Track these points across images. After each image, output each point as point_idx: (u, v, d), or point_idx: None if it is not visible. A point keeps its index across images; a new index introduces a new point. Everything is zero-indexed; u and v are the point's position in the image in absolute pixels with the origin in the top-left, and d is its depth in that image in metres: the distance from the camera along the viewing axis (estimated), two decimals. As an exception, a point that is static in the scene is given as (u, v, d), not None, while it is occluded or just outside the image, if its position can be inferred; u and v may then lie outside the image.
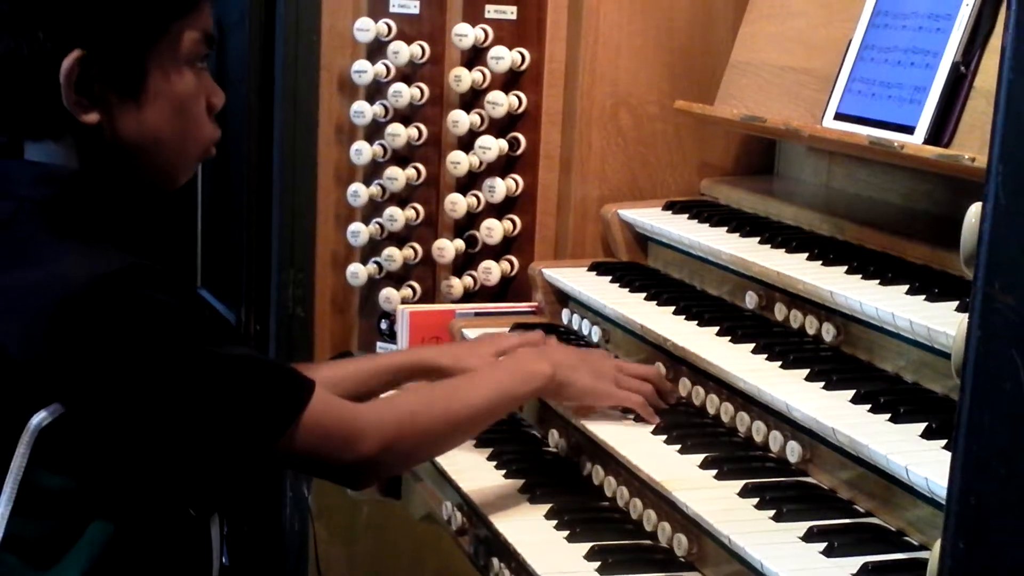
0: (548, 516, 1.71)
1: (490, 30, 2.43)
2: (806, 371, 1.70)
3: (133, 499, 1.40)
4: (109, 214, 1.44)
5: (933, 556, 0.88)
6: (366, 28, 2.51)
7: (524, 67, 2.42)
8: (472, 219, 2.47)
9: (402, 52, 2.48)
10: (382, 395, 1.84)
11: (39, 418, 1.34)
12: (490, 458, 1.93)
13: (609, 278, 2.22)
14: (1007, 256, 0.75)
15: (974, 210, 0.83)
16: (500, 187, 2.42)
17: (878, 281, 1.76)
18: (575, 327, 2.24)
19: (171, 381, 1.36)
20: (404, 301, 2.52)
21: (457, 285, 2.47)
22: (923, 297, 1.68)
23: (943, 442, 1.46)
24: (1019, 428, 0.74)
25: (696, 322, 1.95)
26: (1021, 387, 0.74)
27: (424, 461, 1.73)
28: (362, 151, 2.53)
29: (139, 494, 1.41)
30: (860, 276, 1.79)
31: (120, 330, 1.33)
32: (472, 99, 2.45)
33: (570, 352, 1.86)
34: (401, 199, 2.54)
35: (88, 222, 1.41)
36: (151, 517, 1.42)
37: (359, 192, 2.54)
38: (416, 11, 2.52)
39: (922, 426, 1.49)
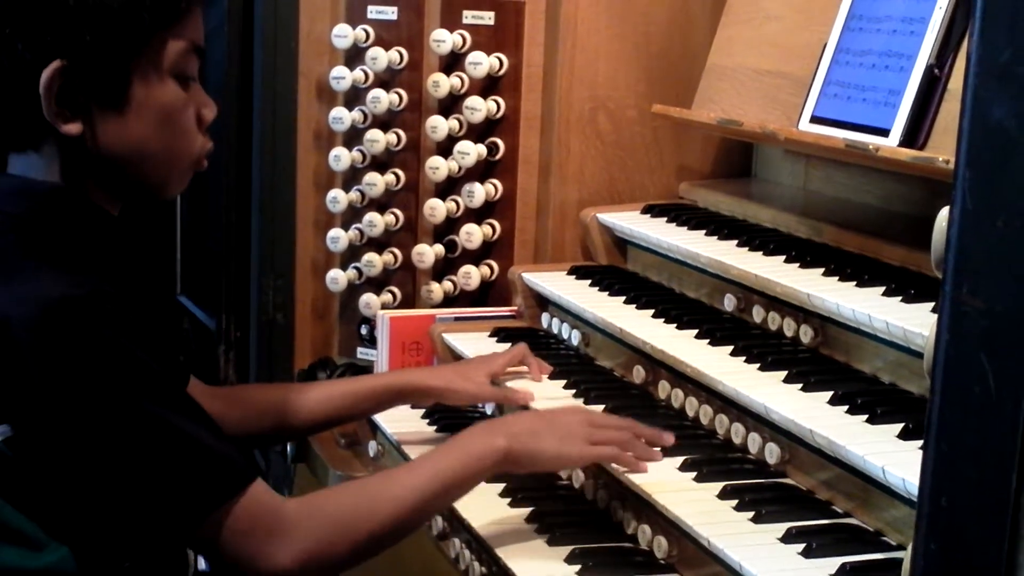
0: (529, 520, 1.71)
1: (468, 35, 2.43)
2: (784, 373, 1.71)
3: (84, 531, 1.37)
4: (83, 230, 1.42)
5: (907, 556, 0.89)
6: (344, 35, 2.51)
7: (502, 72, 2.42)
8: (452, 224, 2.47)
9: (380, 58, 2.48)
10: (316, 493, 1.61)
11: None
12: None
13: (588, 282, 2.22)
14: (974, 260, 0.75)
15: (943, 214, 0.83)
16: (479, 192, 2.42)
17: (855, 283, 1.77)
18: (555, 331, 2.25)
19: (104, 427, 1.33)
20: (384, 306, 2.52)
21: (437, 290, 2.47)
22: (899, 298, 1.69)
23: (920, 442, 1.46)
24: (989, 430, 0.75)
25: (675, 325, 1.96)
26: (990, 389, 0.74)
27: (357, 565, 1.49)
28: (341, 157, 2.53)
29: (90, 527, 1.38)
30: (837, 278, 1.81)
31: (70, 360, 1.30)
32: (451, 104, 2.45)
33: (530, 418, 1.70)
34: (380, 205, 2.54)
35: (61, 239, 1.40)
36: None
37: (338, 198, 2.54)
38: (394, 17, 2.52)
39: (899, 427, 1.50)
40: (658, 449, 1.69)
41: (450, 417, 2.10)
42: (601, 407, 1.88)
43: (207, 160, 1.52)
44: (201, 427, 1.39)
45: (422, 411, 2.15)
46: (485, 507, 1.74)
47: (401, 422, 2.11)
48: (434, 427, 2.09)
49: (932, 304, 1.64)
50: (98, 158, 1.41)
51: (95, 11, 1.36)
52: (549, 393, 1.97)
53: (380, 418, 2.13)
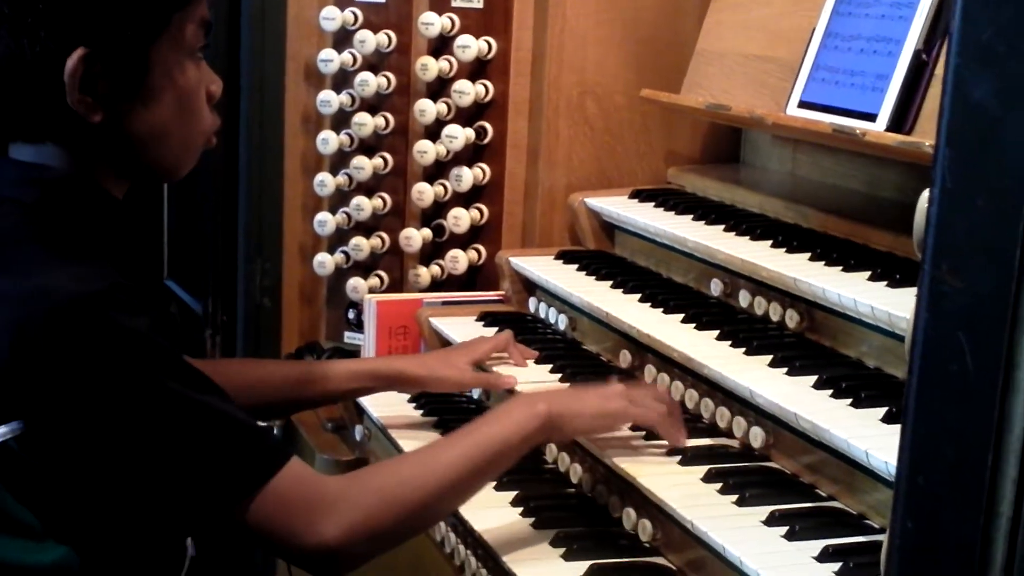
0: (514, 503, 1.71)
1: (457, 19, 2.43)
2: (770, 357, 1.71)
3: (90, 528, 1.36)
4: (93, 218, 1.41)
5: (888, 537, 0.89)
6: (332, 17, 2.50)
7: (491, 56, 2.42)
8: (439, 208, 2.47)
9: (368, 41, 2.47)
10: (355, 472, 1.54)
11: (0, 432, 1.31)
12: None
13: (576, 266, 2.22)
14: (954, 239, 0.75)
15: (926, 195, 0.83)
16: (467, 176, 2.41)
17: (841, 268, 1.77)
18: (542, 315, 2.24)
19: (134, 417, 1.31)
20: (372, 290, 2.51)
21: (424, 274, 2.47)
22: (885, 283, 1.69)
23: (903, 426, 1.47)
24: (967, 409, 0.75)
25: (662, 309, 1.96)
26: (968, 369, 0.75)
27: (405, 541, 1.47)
28: (329, 140, 2.52)
29: (96, 524, 1.36)
30: (824, 263, 1.81)
31: (89, 355, 1.29)
32: (439, 88, 2.45)
33: (567, 389, 1.70)
34: (368, 188, 2.54)
35: (69, 228, 1.38)
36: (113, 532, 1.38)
37: (326, 182, 2.54)
38: (382, 0, 2.51)
39: (883, 411, 1.51)
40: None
41: (436, 401, 2.10)
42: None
43: (215, 137, 1.51)
44: (229, 405, 1.37)
45: (408, 396, 2.14)
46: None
47: (387, 406, 2.10)
48: (420, 411, 2.09)
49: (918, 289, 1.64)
50: (117, 144, 1.40)
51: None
52: (536, 377, 1.97)
53: (366, 402, 2.12)
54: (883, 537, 1.42)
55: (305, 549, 1.36)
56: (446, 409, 2.07)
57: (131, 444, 1.31)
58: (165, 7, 1.38)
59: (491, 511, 1.70)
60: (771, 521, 1.46)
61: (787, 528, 1.44)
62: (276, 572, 2.52)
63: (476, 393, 2.13)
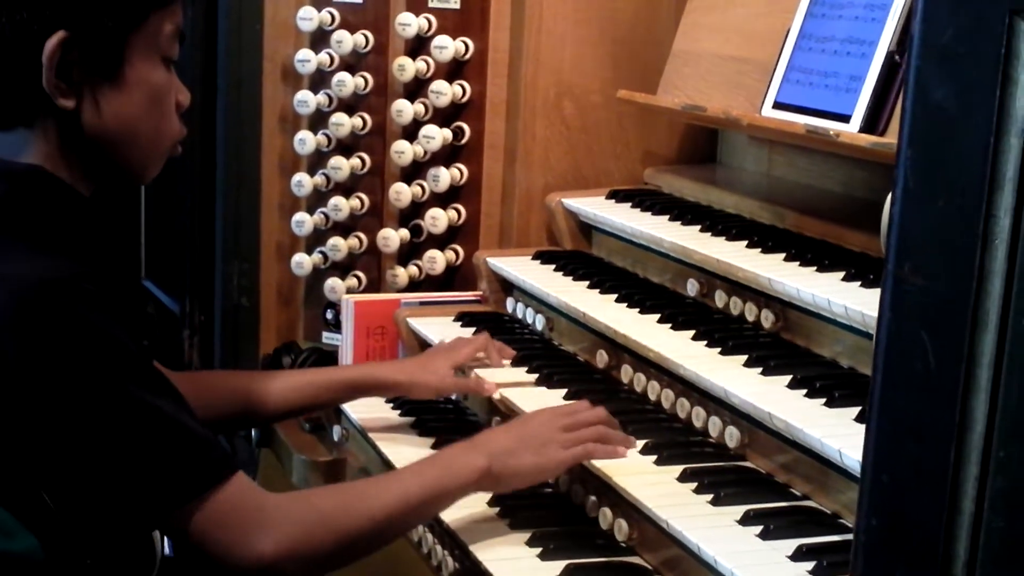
0: (491, 503, 1.71)
1: (434, 19, 2.43)
2: (745, 357, 1.72)
3: (51, 521, 1.35)
4: (59, 212, 1.40)
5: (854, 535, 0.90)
6: (309, 17, 2.50)
7: (468, 56, 2.42)
8: (417, 208, 2.47)
9: (345, 41, 2.47)
10: (302, 491, 1.61)
11: None
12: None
13: (553, 267, 2.23)
14: (916, 238, 0.76)
15: (891, 196, 0.84)
16: (445, 176, 2.42)
17: (816, 268, 1.78)
18: (519, 316, 2.25)
19: (85, 410, 1.31)
20: (349, 291, 2.51)
21: (402, 274, 2.47)
22: (859, 283, 1.70)
23: (876, 425, 1.48)
24: (930, 406, 0.76)
25: (638, 309, 1.97)
26: (931, 367, 0.75)
27: (335, 569, 1.48)
28: (306, 141, 2.52)
29: (56, 517, 1.36)
30: (798, 263, 1.82)
31: (49, 343, 1.29)
32: (416, 88, 2.45)
33: (504, 434, 1.65)
34: (346, 189, 2.54)
35: (37, 221, 1.38)
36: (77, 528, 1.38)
37: (303, 182, 2.53)
38: (360, 0, 2.51)
39: (856, 410, 1.52)
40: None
41: (414, 403, 2.10)
42: (563, 391, 1.88)
43: (180, 147, 1.52)
44: (183, 412, 1.38)
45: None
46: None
47: (366, 408, 2.10)
48: (398, 411, 2.09)
49: (891, 289, 1.66)
50: (86, 137, 1.40)
51: None
52: (513, 378, 1.97)
53: (345, 404, 2.12)
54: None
55: (242, 563, 1.37)
56: (423, 410, 2.08)
57: (79, 437, 1.32)
58: (144, 2, 1.40)
59: (468, 511, 1.70)
60: (746, 520, 1.47)
61: (761, 527, 1.45)
62: None
63: (455, 396, 2.14)
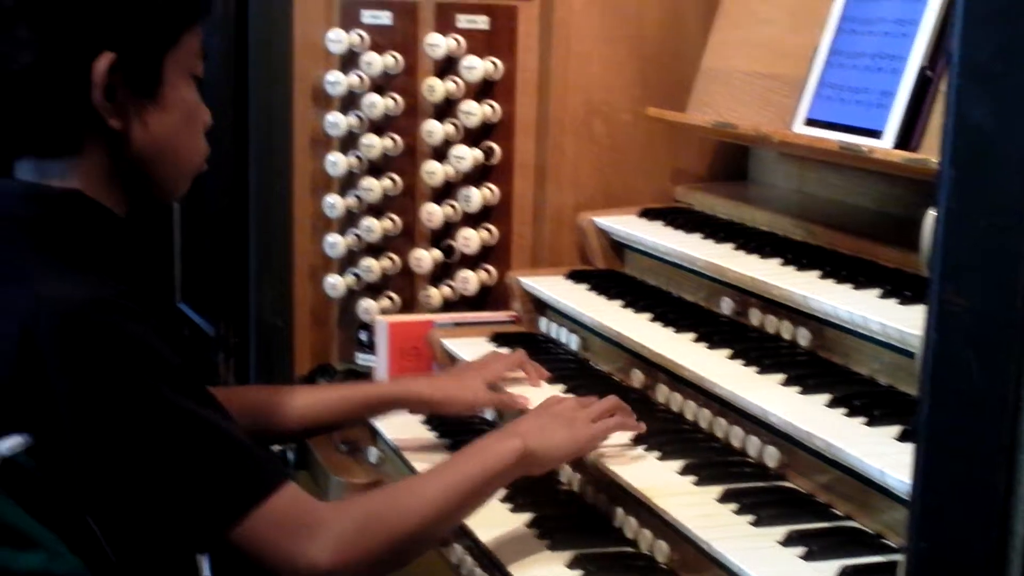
0: (530, 525, 1.71)
1: (462, 40, 2.44)
2: (782, 376, 1.71)
3: (97, 542, 1.36)
4: (96, 233, 1.42)
5: (903, 557, 0.90)
6: (339, 39, 2.52)
7: (497, 76, 2.43)
8: (449, 229, 2.48)
9: (375, 63, 2.49)
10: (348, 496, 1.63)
11: (5, 446, 1.31)
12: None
13: (586, 286, 2.23)
14: (959, 259, 0.76)
15: (932, 214, 0.84)
16: (476, 196, 2.43)
17: (851, 285, 1.78)
18: (553, 336, 2.25)
19: (135, 425, 1.32)
20: (383, 311, 2.52)
21: (435, 295, 2.48)
22: (896, 300, 1.69)
23: (917, 444, 1.48)
24: (977, 428, 0.76)
25: (672, 329, 1.97)
26: (976, 387, 0.75)
27: (393, 570, 1.48)
28: (337, 162, 2.54)
29: (102, 538, 1.36)
30: (833, 280, 1.81)
31: (98, 359, 1.30)
32: (446, 109, 2.46)
33: (534, 416, 1.71)
34: (377, 210, 2.55)
35: (75, 242, 1.40)
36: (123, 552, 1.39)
37: (335, 203, 2.55)
38: (389, 22, 2.53)
39: (897, 428, 1.51)
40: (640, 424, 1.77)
41: (450, 423, 2.10)
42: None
43: (205, 164, 1.54)
44: (230, 423, 1.39)
45: (422, 417, 2.15)
46: (486, 513, 1.73)
47: (401, 428, 2.11)
48: (434, 433, 2.10)
49: (928, 306, 1.65)
50: (126, 155, 1.42)
51: (140, 3, 1.39)
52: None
53: (380, 424, 2.13)
54: (901, 556, 1.43)
55: (297, 572, 1.37)
56: (460, 430, 2.08)
57: (130, 454, 1.32)
58: (178, 21, 1.43)
59: (507, 532, 1.70)
60: (788, 541, 1.47)
61: (804, 548, 1.44)
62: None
63: (490, 414, 2.14)
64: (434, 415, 2.12)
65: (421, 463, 1.98)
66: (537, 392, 1.99)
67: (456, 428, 2.08)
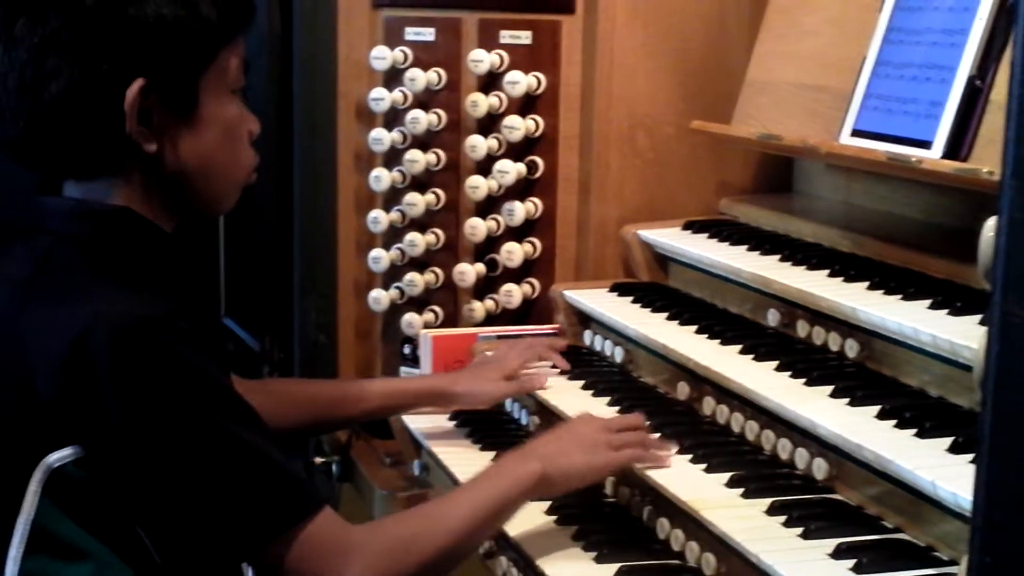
0: (575, 537, 1.71)
1: (505, 55, 2.45)
2: (830, 388, 1.70)
3: (145, 553, 1.39)
4: (146, 250, 1.45)
5: (961, 571, 0.89)
6: (382, 56, 2.54)
7: (540, 91, 2.43)
8: (492, 243, 2.48)
9: (419, 79, 2.50)
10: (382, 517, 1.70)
11: (55, 457, 1.34)
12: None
13: (630, 299, 2.23)
14: (1022, 270, 0.75)
15: (991, 223, 0.83)
16: (519, 210, 2.43)
17: (900, 296, 1.76)
18: (597, 348, 2.25)
19: (179, 444, 1.35)
20: (427, 326, 2.53)
21: (479, 308, 2.48)
22: (946, 311, 1.68)
23: (970, 456, 1.46)
24: (1043, 442, 0.75)
25: (719, 341, 1.96)
26: (1043, 400, 0.74)
27: None
28: (381, 178, 2.55)
29: (149, 549, 1.39)
30: (882, 291, 1.80)
31: (146, 376, 1.33)
32: (489, 124, 2.47)
33: (554, 437, 1.72)
34: (421, 224, 2.56)
35: (123, 260, 1.42)
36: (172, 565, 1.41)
37: (379, 218, 2.56)
38: (432, 38, 2.54)
39: (948, 440, 1.49)
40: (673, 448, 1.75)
41: (493, 435, 2.11)
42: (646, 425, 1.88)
43: (254, 174, 1.56)
44: (272, 447, 1.42)
45: (467, 430, 2.16)
46: (531, 525, 1.74)
47: (445, 440, 2.12)
48: (479, 445, 2.10)
49: (979, 317, 1.63)
50: (167, 175, 1.45)
51: (172, 27, 1.40)
52: (595, 411, 1.96)
53: (423, 437, 2.14)
54: (953, 569, 1.41)
55: None
56: (503, 443, 2.08)
57: (174, 472, 1.36)
58: (214, 40, 1.45)
59: (552, 545, 1.69)
60: (838, 554, 1.45)
61: (855, 561, 1.43)
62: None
63: (525, 419, 2.15)
64: (477, 427, 2.13)
65: (465, 476, 1.98)
66: (584, 406, 1.97)
67: (499, 441, 2.09)
